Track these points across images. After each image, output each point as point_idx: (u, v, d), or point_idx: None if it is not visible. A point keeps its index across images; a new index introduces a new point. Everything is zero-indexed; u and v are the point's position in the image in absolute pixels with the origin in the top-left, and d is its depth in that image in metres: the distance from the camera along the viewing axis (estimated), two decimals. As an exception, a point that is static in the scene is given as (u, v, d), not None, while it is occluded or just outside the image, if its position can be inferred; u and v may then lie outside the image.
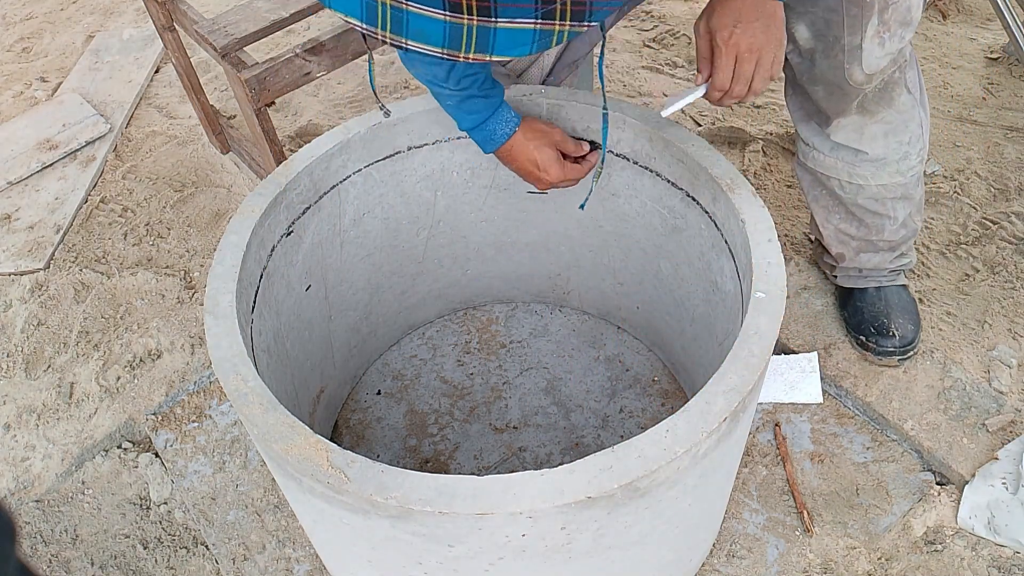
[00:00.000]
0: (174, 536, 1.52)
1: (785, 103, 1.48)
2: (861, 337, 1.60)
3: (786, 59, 1.35)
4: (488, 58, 0.75)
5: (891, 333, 1.57)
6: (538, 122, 1.31)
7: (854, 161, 1.43)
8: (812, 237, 1.76)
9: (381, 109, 1.34)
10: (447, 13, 0.72)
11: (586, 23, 0.74)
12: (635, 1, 1.38)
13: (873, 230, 1.53)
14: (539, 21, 0.73)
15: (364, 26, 0.75)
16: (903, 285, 1.66)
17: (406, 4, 0.72)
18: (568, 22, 0.73)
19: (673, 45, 2.52)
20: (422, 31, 0.74)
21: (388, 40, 0.75)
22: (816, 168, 1.48)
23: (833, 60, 1.28)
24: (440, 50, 0.74)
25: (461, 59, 0.75)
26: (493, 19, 0.72)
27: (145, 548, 1.51)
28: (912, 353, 1.59)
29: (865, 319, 1.61)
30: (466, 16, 0.72)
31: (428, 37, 0.74)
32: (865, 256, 1.59)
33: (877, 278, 1.63)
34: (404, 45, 0.75)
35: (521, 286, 1.75)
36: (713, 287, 1.33)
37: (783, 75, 1.41)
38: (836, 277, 1.68)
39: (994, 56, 2.29)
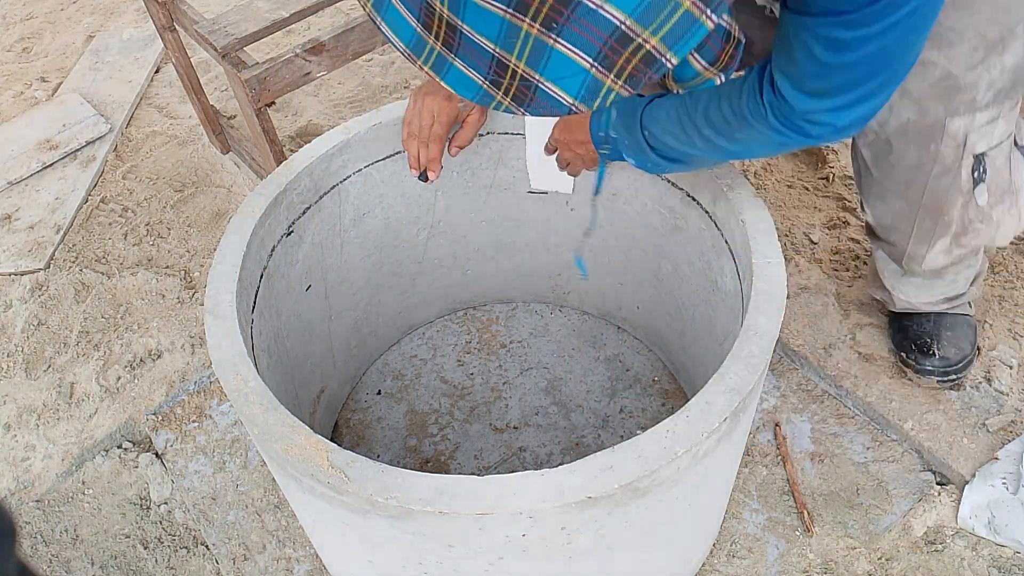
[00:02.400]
0: (174, 536, 1.52)
1: None
2: (901, 354, 1.52)
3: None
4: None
5: (932, 352, 1.47)
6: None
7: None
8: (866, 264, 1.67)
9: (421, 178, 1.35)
10: (486, 80, 0.73)
11: (522, 110, 0.75)
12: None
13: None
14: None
15: (407, 51, 0.76)
16: (964, 314, 1.53)
17: (453, 58, 0.73)
18: (508, 99, 0.75)
19: (673, 45, 2.52)
20: (462, 82, 0.75)
21: (425, 71, 0.77)
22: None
23: (894, 249, 1.33)
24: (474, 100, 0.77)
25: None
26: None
27: (145, 548, 1.51)
28: (956, 379, 1.49)
29: (908, 336, 1.51)
30: (507, 81, 0.73)
31: (466, 89, 0.76)
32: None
33: (935, 307, 1.51)
34: (440, 81, 0.77)
35: (521, 286, 1.75)
36: (713, 287, 1.33)
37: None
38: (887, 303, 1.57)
39: (994, 56, 2.29)
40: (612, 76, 0.70)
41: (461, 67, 0.73)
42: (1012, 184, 1.21)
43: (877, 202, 1.28)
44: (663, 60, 0.69)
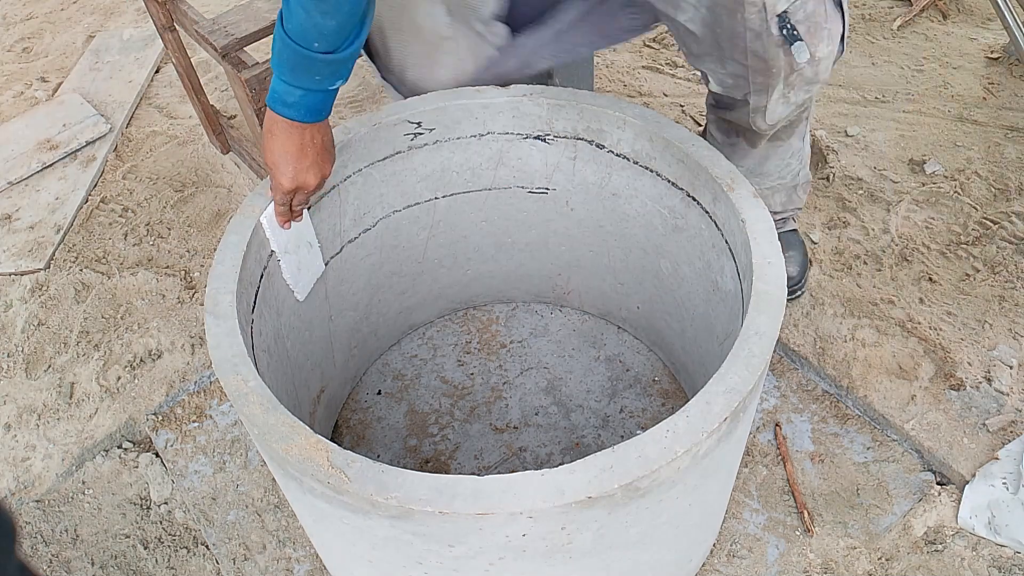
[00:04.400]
0: (174, 536, 1.52)
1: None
2: None
3: (709, 92, 1.48)
4: None
5: None
6: (330, 135, 1.24)
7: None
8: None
9: None
10: None
11: None
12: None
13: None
14: None
15: None
16: (793, 230, 1.74)
17: None
18: None
19: (673, 45, 2.52)
20: None
21: None
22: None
23: (740, 112, 1.41)
24: None
25: None
26: None
27: (145, 548, 1.51)
28: (799, 293, 1.69)
29: None
30: None
31: None
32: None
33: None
34: None
35: (521, 286, 1.75)
36: (713, 287, 1.33)
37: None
38: None
39: (994, 56, 2.30)
40: None
41: None
42: (826, 18, 1.27)
43: (716, 67, 1.35)
44: None
